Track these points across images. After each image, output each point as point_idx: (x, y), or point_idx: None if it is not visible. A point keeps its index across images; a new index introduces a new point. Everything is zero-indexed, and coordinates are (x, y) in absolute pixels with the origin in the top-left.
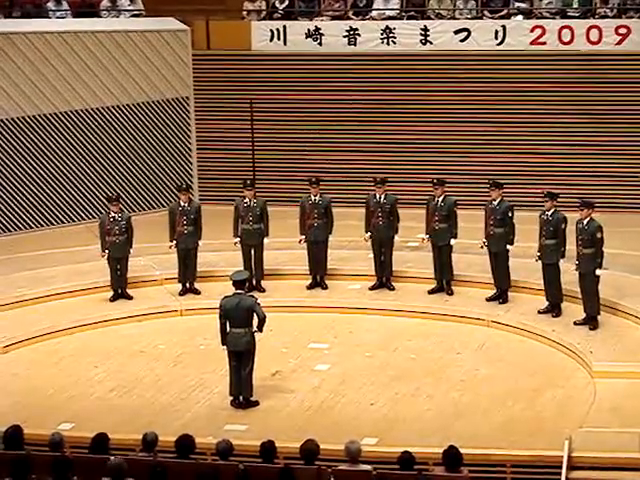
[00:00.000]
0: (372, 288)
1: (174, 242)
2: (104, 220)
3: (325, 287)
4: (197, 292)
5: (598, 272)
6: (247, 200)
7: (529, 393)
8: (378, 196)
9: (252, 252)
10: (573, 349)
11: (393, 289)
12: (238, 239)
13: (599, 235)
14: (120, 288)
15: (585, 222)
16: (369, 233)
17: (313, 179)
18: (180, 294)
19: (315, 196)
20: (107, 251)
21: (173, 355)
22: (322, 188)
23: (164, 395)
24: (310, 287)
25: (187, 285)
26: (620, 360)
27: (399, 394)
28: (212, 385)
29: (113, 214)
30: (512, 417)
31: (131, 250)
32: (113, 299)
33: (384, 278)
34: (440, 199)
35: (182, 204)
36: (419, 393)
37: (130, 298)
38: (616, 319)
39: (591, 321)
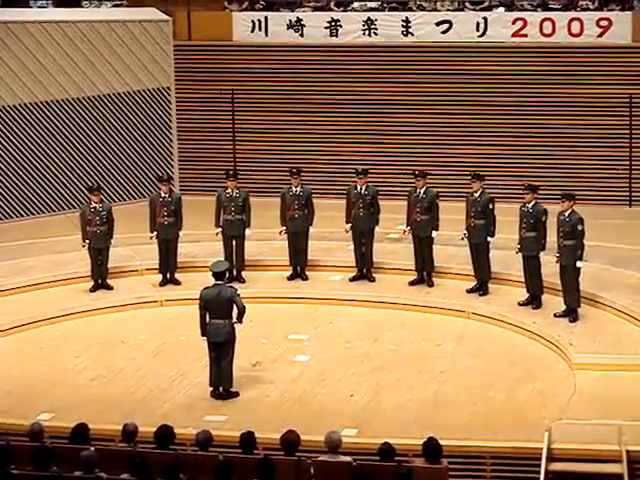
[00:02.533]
0: (353, 279)
1: (155, 233)
2: (85, 210)
3: (305, 278)
4: (177, 283)
5: (579, 264)
6: (229, 191)
7: (509, 385)
8: (359, 187)
9: (233, 243)
10: (553, 341)
11: (374, 280)
12: (220, 230)
13: (580, 227)
14: (100, 278)
15: (566, 214)
16: (350, 224)
17: (294, 170)
18: (161, 285)
19: (296, 187)
20: (88, 241)
21: (153, 345)
22: (303, 179)
23: (144, 385)
24: (291, 278)
25: (167, 276)
26: (600, 352)
27: (379, 385)
28: (192, 376)
29: (94, 204)
30: (492, 409)
31: (112, 240)
32: (93, 289)
33: (364, 269)
34: (422, 191)
35: (162, 195)
36: (399, 384)
37: (110, 288)
38: (596, 311)
39: (571, 313)
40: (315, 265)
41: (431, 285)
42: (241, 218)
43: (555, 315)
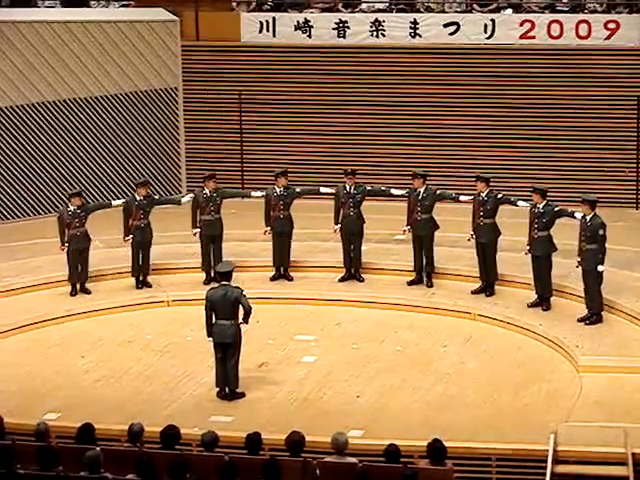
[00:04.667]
0: (341, 280)
1: (130, 236)
2: (63, 214)
3: (290, 279)
4: (149, 285)
5: (600, 268)
6: (207, 191)
7: (515, 386)
8: (348, 187)
9: (212, 243)
10: (560, 343)
11: (362, 281)
12: (198, 230)
13: (602, 232)
14: (79, 283)
15: (588, 218)
16: (339, 225)
17: (278, 171)
18: (138, 287)
19: (279, 188)
20: (67, 244)
21: (160, 346)
22: (308, 179)
23: (150, 386)
24: (273, 279)
25: (140, 278)
26: (606, 355)
27: (385, 386)
28: (198, 376)
29: (72, 207)
30: (497, 410)
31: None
32: (74, 294)
33: (353, 269)
34: (422, 190)
35: (138, 198)
36: (405, 385)
37: (88, 292)
38: (603, 314)
39: (593, 316)
40: (320, 266)
41: (430, 286)
42: (219, 217)
43: (578, 320)
